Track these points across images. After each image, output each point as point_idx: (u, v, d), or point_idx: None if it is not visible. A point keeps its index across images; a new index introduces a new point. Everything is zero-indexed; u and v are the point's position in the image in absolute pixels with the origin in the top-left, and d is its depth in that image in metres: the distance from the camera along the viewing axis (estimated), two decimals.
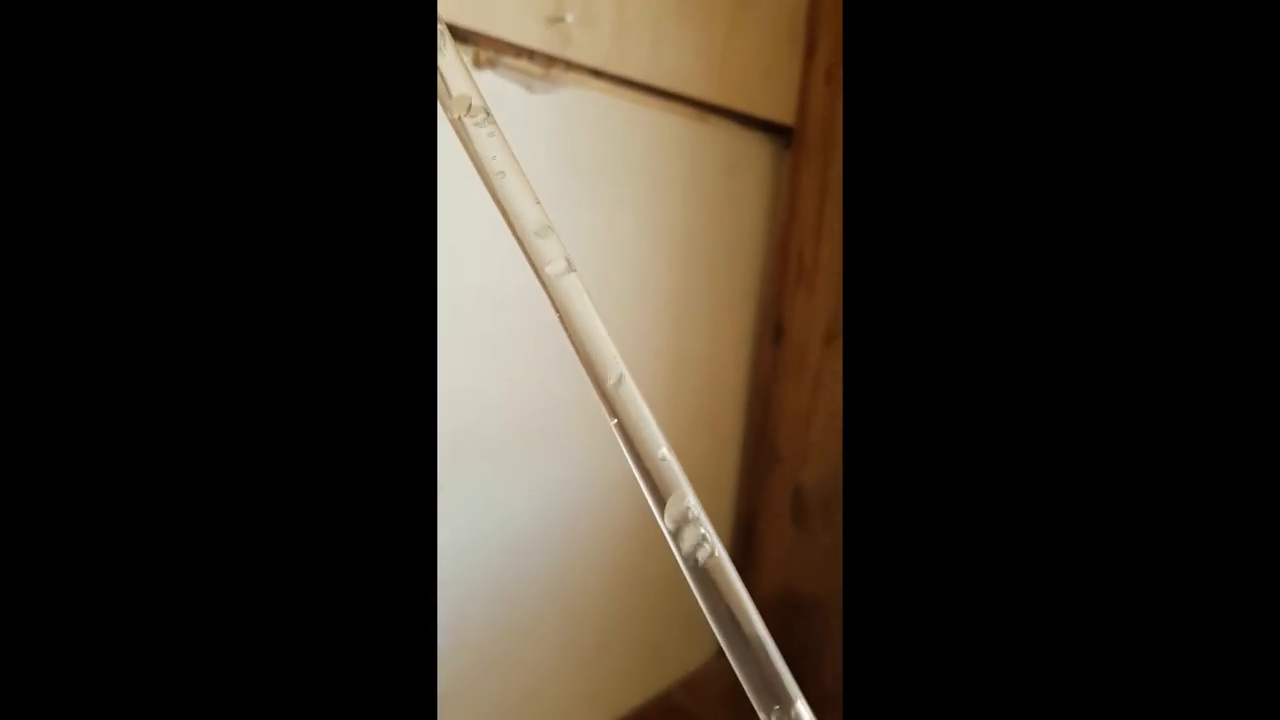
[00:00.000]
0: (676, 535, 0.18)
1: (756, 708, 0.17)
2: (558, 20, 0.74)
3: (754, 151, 1.04)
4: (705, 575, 0.18)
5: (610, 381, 0.19)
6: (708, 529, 0.19)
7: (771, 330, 1.08)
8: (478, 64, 0.71)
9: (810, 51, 1.03)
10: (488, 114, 0.20)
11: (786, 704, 0.17)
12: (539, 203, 0.21)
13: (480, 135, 0.20)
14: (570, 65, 0.78)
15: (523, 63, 0.73)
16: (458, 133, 0.20)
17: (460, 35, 0.68)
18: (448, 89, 0.20)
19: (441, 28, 0.20)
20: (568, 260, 0.21)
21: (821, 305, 1.03)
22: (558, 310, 0.21)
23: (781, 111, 1.03)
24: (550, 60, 0.76)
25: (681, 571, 0.19)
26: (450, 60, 0.20)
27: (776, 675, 0.17)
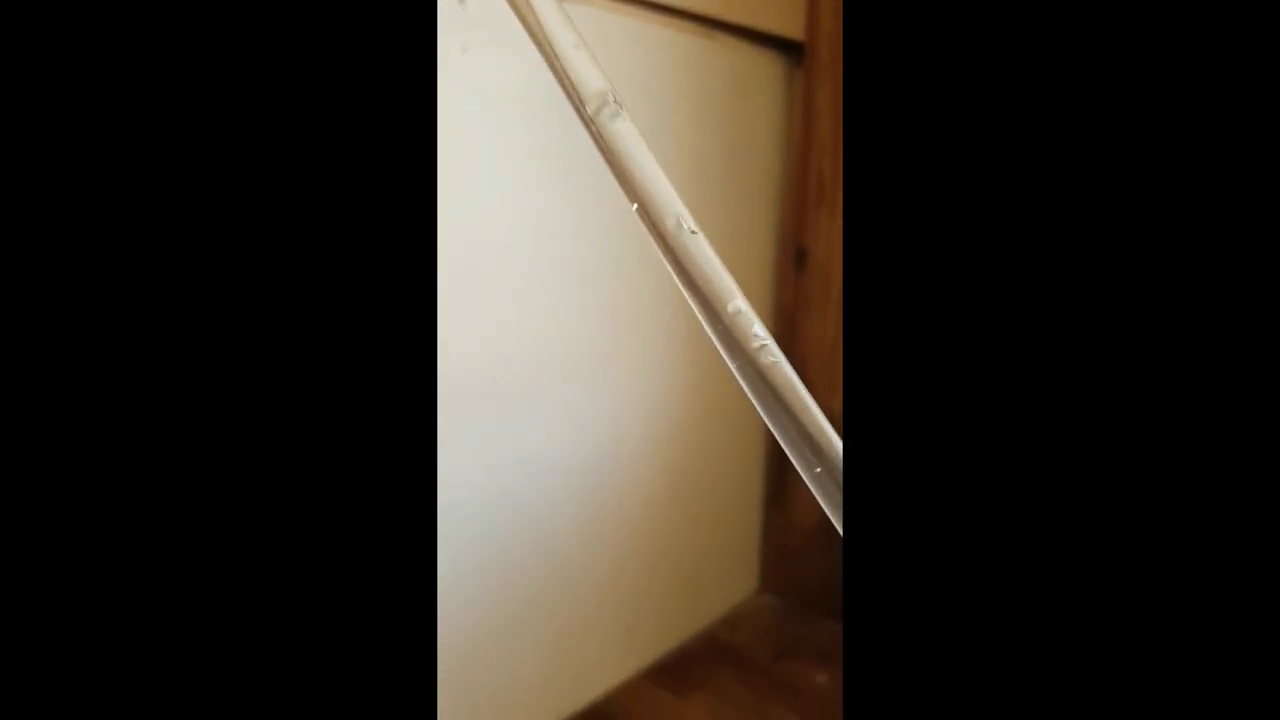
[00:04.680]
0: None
1: (798, 466, 0.15)
2: None
3: (764, 69, 1.00)
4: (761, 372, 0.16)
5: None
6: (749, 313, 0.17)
7: (793, 255, 1.05)
8: None
9: None
10: None
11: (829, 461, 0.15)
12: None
13: None
14: None
15: None
16: None
17: None
18: None
19: None
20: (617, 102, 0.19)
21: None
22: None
23: (790, 27, 0.99)
24: None
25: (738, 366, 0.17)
26: None
27: (820, 430, 0.15)
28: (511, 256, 0.75)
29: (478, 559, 0.76)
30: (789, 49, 1.01)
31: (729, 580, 1.13)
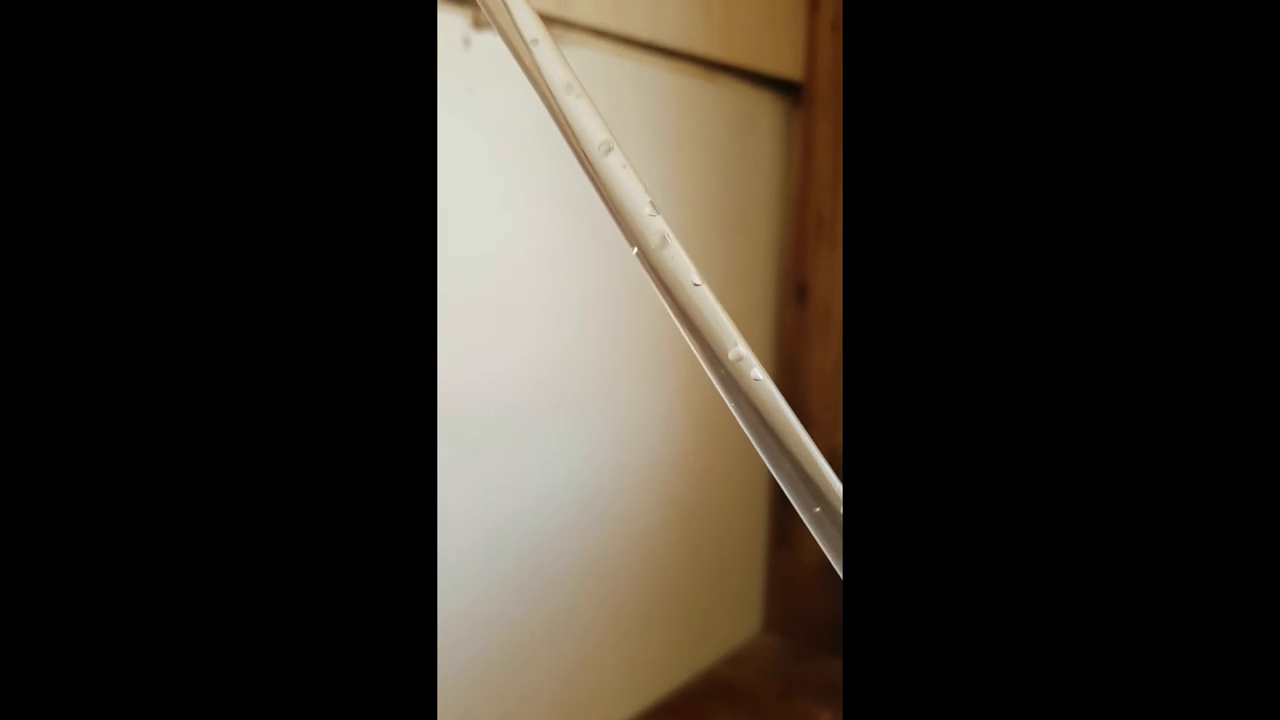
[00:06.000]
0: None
1: (797, 508, 0.15)
2: None
3: (765, 110, 1.02)
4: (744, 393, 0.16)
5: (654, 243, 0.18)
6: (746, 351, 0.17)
7: (794, 290, 1.05)
8: (477, 25, 0.70)
9: (814, 3, 1.01)
10: None
11: (827, 502, 0.15)
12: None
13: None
14: (570, 25, 0.76)
15: None
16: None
17: None
18: None
19: None
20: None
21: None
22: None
23: (789, 67, 1.01)
24: (548, 21, 0.75)
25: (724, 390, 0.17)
26: None
27: (818, 470, 0.15)
28: (515, 288, 0.75)
29: (474, 594, 0.75)
30: (788, 89, 1.03)
31: (732, 618, 1.12)
